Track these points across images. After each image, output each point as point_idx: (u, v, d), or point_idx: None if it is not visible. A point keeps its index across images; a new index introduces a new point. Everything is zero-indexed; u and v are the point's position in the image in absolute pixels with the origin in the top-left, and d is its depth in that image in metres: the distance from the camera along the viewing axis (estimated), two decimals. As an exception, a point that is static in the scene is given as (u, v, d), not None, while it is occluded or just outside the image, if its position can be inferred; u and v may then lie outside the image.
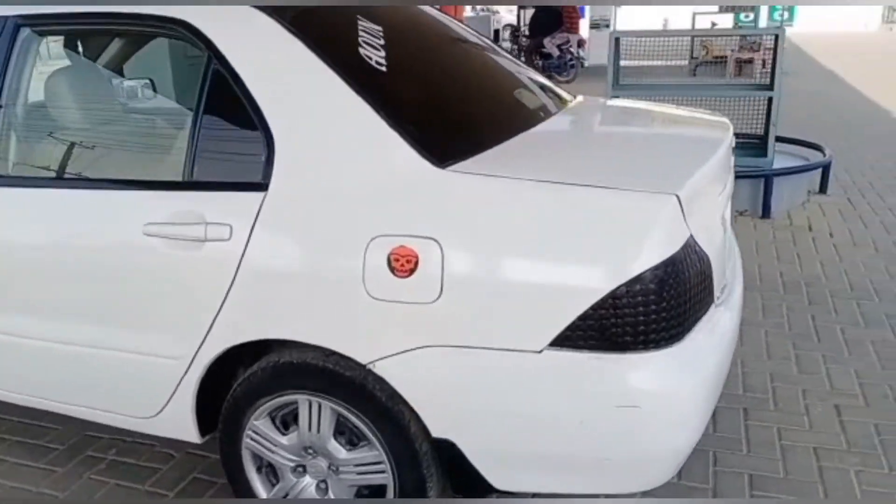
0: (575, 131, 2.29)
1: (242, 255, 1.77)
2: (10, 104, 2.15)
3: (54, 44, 2.38)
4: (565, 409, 1.62)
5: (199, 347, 1.89)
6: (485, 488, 1.79)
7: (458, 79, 2.24)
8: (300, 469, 1.96)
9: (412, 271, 1.63)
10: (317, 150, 1.77)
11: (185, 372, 1.94)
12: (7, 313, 2.12)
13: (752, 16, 13.91)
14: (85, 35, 2.36)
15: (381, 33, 2.09)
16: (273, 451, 1.95)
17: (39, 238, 2.03)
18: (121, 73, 2.33)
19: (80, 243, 1.97)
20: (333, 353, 1.78)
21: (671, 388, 1.60)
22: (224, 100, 1.86)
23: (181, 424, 2.04)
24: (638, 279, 1.52)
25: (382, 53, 1.98)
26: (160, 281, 1.89)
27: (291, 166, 1.76)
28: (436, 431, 1.74)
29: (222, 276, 1.80)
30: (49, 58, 2.34)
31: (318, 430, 1.87)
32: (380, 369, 1.72)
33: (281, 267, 1.76)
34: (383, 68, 1.94)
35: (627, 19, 17.13)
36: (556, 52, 13.18)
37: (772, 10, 15.06)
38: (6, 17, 2.14)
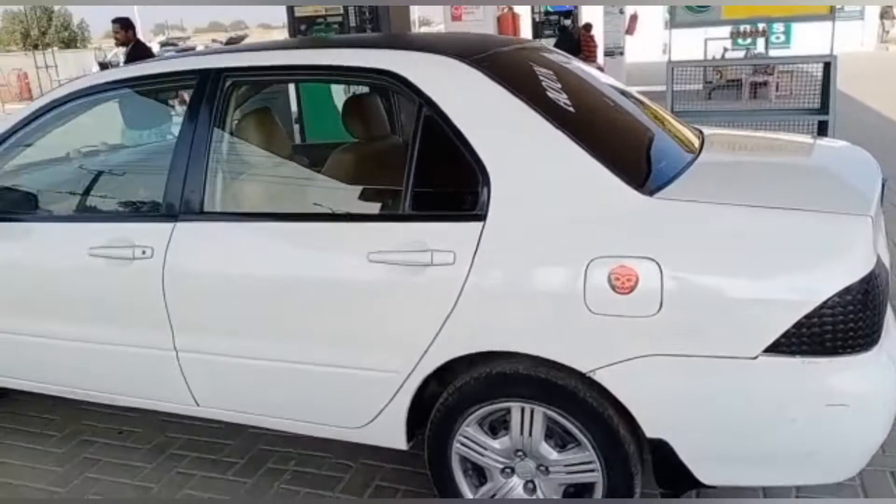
0: (733, 160, 2.53)
1: (466, 277, 2.00)
2: (232, 149, 2.40)
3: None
4: (778, 409, 1.84)
5: (419, 361, 2.11)
6: (691, 483, 2.00)
7: (624, 117, 2.49)
8: (508, 470, 2.17)
9: (632, 288, 1.86)
10: (529, 182, 2.00)
11: (402, 384, 2.16)
12: (237, 336, 2.33)
13: (749, 39, 14.36)
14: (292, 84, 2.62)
15: (554, 77, 2.36)
16: (483, 455, 2.16)
17: (273, 268, 2.25)
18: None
19: (314, 272, 2.20)
20: (546, 362, 2.00)
21: (874, 387, 1.82)
22: (438, 141, 2.10)
23: (391, 433, 2.26)
24: (847, 290, 1.75)
25: (564, 96, 2.24)
26: (385, 303, 2.12)
27: (507, 198, 2.00)
28: (651, 432, 1.96)
29: (446, 296, 2.03)
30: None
31: (531, 434, 2.08)
32: (599, 377, 1.94)
33: (504, 287, 1.99)
34: (571, 109, 2.19)
35: (633, 48, 17.53)
36: None
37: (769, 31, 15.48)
38: (214, 69, 2.39)
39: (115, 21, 7.07)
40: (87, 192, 2.87)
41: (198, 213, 2.34)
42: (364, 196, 2.36)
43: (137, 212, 2.60)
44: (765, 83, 12.98)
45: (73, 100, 2.62)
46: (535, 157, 2.02)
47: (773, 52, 14.92)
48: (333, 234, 2.21)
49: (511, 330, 2.01)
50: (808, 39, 12.15)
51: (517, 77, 2.21)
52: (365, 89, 3.11)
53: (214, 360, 2.39)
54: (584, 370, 1.95)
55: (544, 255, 1.96)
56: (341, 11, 6.15)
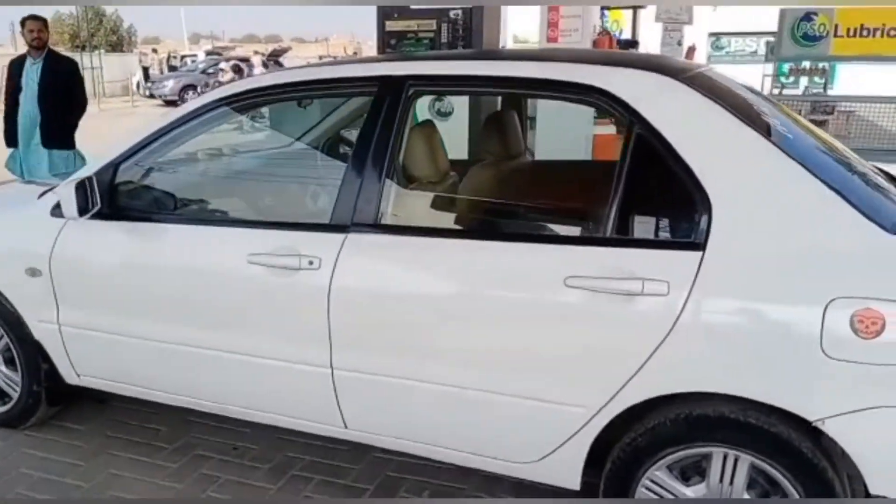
0: None
1: (682, 310, 1.84)
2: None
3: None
4: None
5: (613, 397, 1.95)
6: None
7: (834, 150, 2.31)
8: (697, 521, 2.00)
9: (878, 333, 1.70)
10: (757, 212, 1.85)
11: (589, 420, 2.00)
12: (404, 358, 2.19)
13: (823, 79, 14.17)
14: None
15: (758, 102, 2.21)
16: (672, 502, 1.99)
17: (456, 287, 2.12)
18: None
19: (500, 293, 2.05)
20: (756, 407, 1.84)
21: None
22: (651, 162, 1.96)
23: (565, 471, 2.09)
24: None
25: (776, 121, 2.09)
26: (583, 331, 1.96)
27: (732, 227, 1.84)
28: (876, 489, 1.78)
29: (655, 329, 1.87)
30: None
31: (731, 483, 1.91)
32: (828, 427, 1.77)
33: (724, 323, 1.83)
34: (789, 134, 2.04)
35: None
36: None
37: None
38: (398, 76, 2.27)
39: (35, 18, 5.23)
40: (243, 196, 2.75)
41: (371, 225, 2.21)
42: (558, 216, 2.21)
43: (303, 220, 2.47)
44: (824, 122, 12.84)
45: (235, 102, 2.50)
46: (764, 184, 1.87)
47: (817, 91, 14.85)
48: (526, 256, 2.06)
49: (724, 370, 1.85)
50: (850, 80, 12.04)
51: (728, 98, 2.07)
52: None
53: (375, 381, 2.24)
54: (811, 418, 1.78)
55: (775, 292, 1.80)
56: (434, 27, 6.05)
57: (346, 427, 2.36)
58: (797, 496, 1.84)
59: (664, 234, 1.98)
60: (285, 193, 2.93)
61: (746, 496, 1.91)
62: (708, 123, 1.95)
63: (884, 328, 1.69)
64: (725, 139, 1.93)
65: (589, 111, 6.23)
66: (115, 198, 2.57)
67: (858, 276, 1.74)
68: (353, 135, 3.70)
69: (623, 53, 2.68)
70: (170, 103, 20.48)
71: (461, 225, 2.33)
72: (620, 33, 11.35)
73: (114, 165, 2.58)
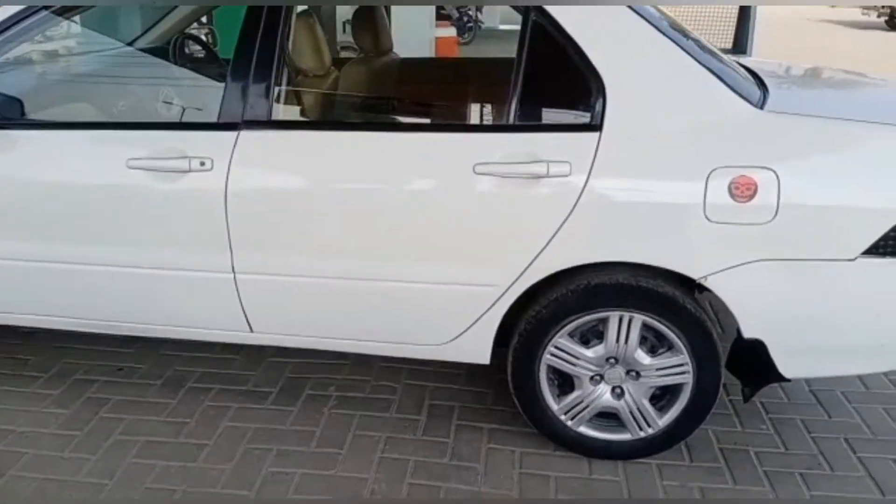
0: (802, 83, 2.62)
1: (583, 189, 1.98)
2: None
3: None
4: (867, 306, 2.02)
5: (521, 275, 2.08)
6: (774, 378, 2.15)
7: (704, 46, 2.48)
8: (597, 378, 2.21)
9: (751, 197, 1.94)
10: (647, 94, 2.00)
11: (498, 299, 2.13)
12: (309, 254, 2.17)
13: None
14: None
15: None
16: (575, 364, 2.19)
17: (360, 180, 2.11)
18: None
19: (411, 181, 2.08)
20: (646, 271, 2.05)
21: None
22: (548, 50, 2.03)
23: (476, 348, 2.23)
24: None
25: (652, 11, 2.23)
26: (490, 215, 2.05)
27: (624, 109, 1.99)
28: (749, 333, 2.07)
29: (559, 208, 2.00)
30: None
31: (626, 342, 2.13)
32: (711, 283, 2.02)
33: (620, 197, 2.00)
34: (665, 21, 2.19)
35: None
36: (455, 14, 13.45)
37: None
38: None
39: None
40: (105, 98, 2.50)
41: (265, 122, 2.13)
42: (460, 108, 2.24)
43: (186, 120, 2.30)
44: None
45: None
46: (652, 68, 2.01)
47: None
48: (434, 145, 2.09)
49: (621, 241, 2.03)
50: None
51: None
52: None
53: (279, 281, 2.22)
54: (696, 276, 2.02)
55: (664, 166, 1.98)
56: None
57: (251, 331, 2.33)
58: (682, 346, 2.10)
59: (563, 118, 2.09)
60: (150, 93, 2.70)
61: (640, 351, 2.15)
62: (600, 10, 2.05)
63: (756, 192, 1.93)
64: (616, 25, 2.04)
65: (430, 15, 6.26)
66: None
67: (734, 148, 1.96)
68: (200, 33, 3.47)
69: None
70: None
71: (362, 118, 2.30)
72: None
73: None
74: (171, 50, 3.16)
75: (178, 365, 2.75)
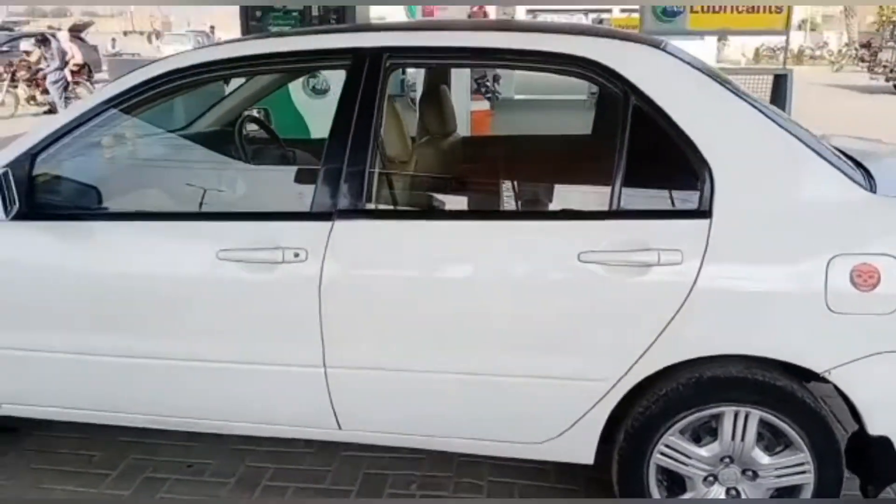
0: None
1: (696, 278, 1.90)
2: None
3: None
4: None
5: (631, 368, 1.99)
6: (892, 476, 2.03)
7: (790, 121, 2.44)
8: (711, 478, 2.08)
9: (875, 285, 1.85)
10: (756, 177, 1.94)
11: (606, 394, 2.02)
12: (405, 348, 2.09)
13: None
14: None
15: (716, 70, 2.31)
16: (687, 464, 2.06)
17: (460, 268, 2.05)
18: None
19: (512, 271, 2.01)
20: (762, 364, 1.95)
21: None
22: (649, 134, 1.99)
23: (579, 446, 2.11)
24: None
25: (746, 92, 2.20)
26: (598, 306, 1.97)
27: (733, 194, 1.92)
28: (875, 430, 1.95)
29: (672, 298, 1.92)
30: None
31: (742, 440, 2.01)
32: (834, 377, 1.91)
33: (735, 286, 1.92)
34: (762, 104, 2.15)
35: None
36: (473, 86, 13.71)
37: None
38: (373, 48, 2.13)
39: None
40: (186, 185, 2.47)
41: (359, 210, 2.07)
42: (555, 189, 2.19)
43: (277, 209, 2.25)
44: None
45: (173, 80, 2.22)
46: (759, 152, 1.97)
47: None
48: (536, 233, 2.02)
49: (744, 332, 1.94)
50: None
51: (705, 69, 2.14)
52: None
53: (373, 376, 2.12)
54: (819, 370, 1.91)
55: (780, 254, 1.91)
56: (303, -1, 5.79)
57: (339, 428, 2.22)
58: (802, 443, 1.98)
59: (670, 204, 2.03)
60: (238, 180, 2.67)
61: (758, 450, 2.02)
62: (701, 94, 2.02)
63: (879, 280, 1.85)
64: (719, 108, 2.01)
65: (467, 89, 6.34)
66: (34, 194, 2.22)
67: (853, 234, 1.90)
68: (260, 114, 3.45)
69: (600, 27, 2.66)
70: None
71: (456, 206, 2.24)
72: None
73: (30, 156, 2.22)
74: (236, 134, 3.14)
75: (249, 460, 2.62)
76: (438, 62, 2.32)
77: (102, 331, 2.23)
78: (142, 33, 42.84)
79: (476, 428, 2.17)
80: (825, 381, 1.95)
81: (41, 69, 12.91)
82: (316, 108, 5.68)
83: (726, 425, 2.02)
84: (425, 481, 2.50)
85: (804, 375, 1.99)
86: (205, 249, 2.10)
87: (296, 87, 5.76)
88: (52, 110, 13.01)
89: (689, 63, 2.08)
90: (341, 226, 2.07)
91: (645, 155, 2.01)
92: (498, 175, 2.39)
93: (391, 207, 2.15)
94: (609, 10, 24.28)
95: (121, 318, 2.21)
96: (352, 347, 2.11)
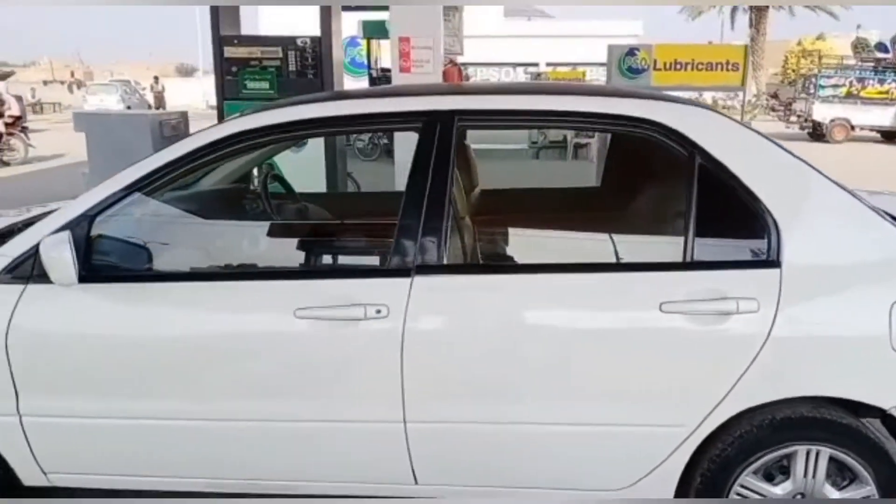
0: None
1: (772, 325, 2.01)
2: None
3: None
4: None
5: (710, 413, 2.06)
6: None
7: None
8: (784, 517, 2.17)
9: (933, 327, 2.00)
10: (819, 229, 2.09)
11: (685, 439, 2.09)
12: (483, 399, 2.11)
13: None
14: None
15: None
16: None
17: (546, 322, 2.09)
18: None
19: (594, 321, 2.07)
20: (828, 403, 2.07)
21: None
22: (715, 189, 2.11)
23: (658, 491, 2.16)
24: None
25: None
26: (678, 354, 2.05)
27: (799, 245, 2.06)
28: None
29: (749, 345, 2.02)
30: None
31: (814, 477, 2.11)
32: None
33: (807, 331, 2.04)
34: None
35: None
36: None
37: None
38: (444, 111, 2.19)
39: None
40: (257, 243, 2.43)
41: (437, 266, 2.11)
42: (633, 244, 2.27)
43: (352, 266, 2.25)
44: (586, 145, 14.40)
45: (242, 141, 2.23)
46: (817, 204, 2.11)
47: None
48: (618, 284, 2.10)
49: (816, 374, 2.05)
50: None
51: (752, 128, 2.29)
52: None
53: (453, 430, 2.13)
54: (886, 407, 2.04)
55: (846, 300, 2.05)
56: (279, 55, 5.81)
57: (416, 483, 2.20)
58: (869, 477, 2.09)
59: (742, 255, 2.14)
60: (305, 238, 2.64)
61: (828, 486, 2.12)
62: (762, 153, 2.16)
63: (936, 322, 2.00)
64: (779, 165, 2.15)
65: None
66: (91, 256, 2.15)
67: None
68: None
69: (654, 92, 2.77)
70: None
71: (528, 258, 2.30)
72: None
73: (88, 217, 2.16)
74: (260, 187, 3.12)
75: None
76: (508, 124, 2.40)
77: (175, 394, 2.16)
78: (62, 83, 41.77)
79: (554, 477, 2.20)
80: (884, 417, 2.07)
81: (-27, 120, 12.39)
82: (292, 161, 5.68)
83: (798, 463, 2.11)
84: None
85: (859, 412, 2.11)
86: (281, 308, 2.09)
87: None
88: (-17, 161, 12.48)
89: (739, 123, 2.23)
90: (421, 281, 2.09)
91: (712, 209, 2.13)
92: (562, 227, 2.46)
93: (468, 262, 2.18)
94: (536, 65, 25.27)
95: (192, 380, 2.15)
96: (433, 401, 2.11)
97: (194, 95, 33.05)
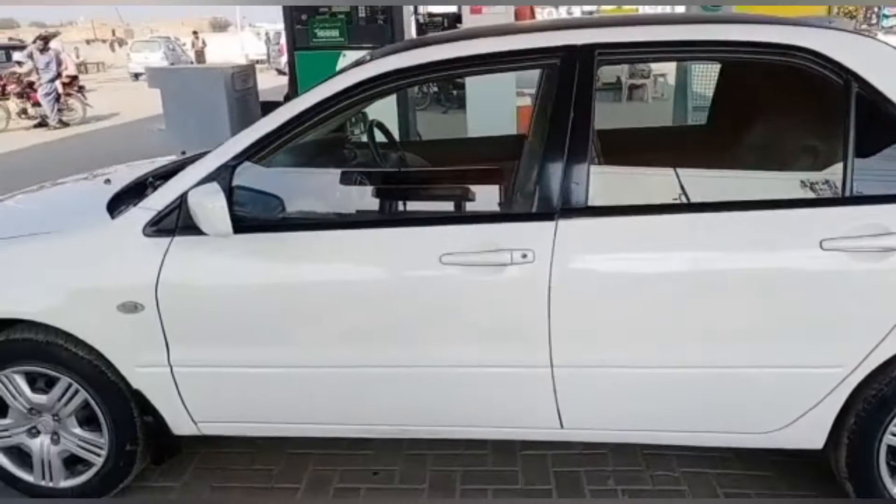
0: None
1: None
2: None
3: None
4: None
5: (870, 353, 2.00)
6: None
7: None
8: (934, 455, 2.12)
9: None
10: None
11: (844, 379, 2.04)
12: (634, 343, 2.09)
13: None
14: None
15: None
16: (920, 442, 2.10)
17: (698, 264, 2.05)
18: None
19: (752, 261, 2.02)
20: None
21: None
22: (871, 118, 2.01)
23: (811, 433, 2.13)
24: None
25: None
26: (838, 293, 1.99)
27: None
28: None
29: None
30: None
31: None
32: None
33: None
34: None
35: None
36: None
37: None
38: (583, 45, 2.12)
39: None
40: (394, 190, 2.42)
41: (582, 209, 2.06)
42: (783, 179, 2.20)
43: (495, 211, 2.23)
44: (641, 86, 14.03)
45: (388, 82, 2.18)
46: None
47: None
48: (775, 222, 2.03)
49: None
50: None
51: None
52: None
53: (601, 374, 2.12)
54: None
55: None
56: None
57: (562, 427, 2.20)
58: None
59: (899, 189, 2.05)
60: (444, 182, 2.62)
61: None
62: None
63: None
64: None
65: (511, 84, 6.32)
66: (233, 206, 2.15)
67: None
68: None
69: (799, 18, 2.62)
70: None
71: (674, 198, 2.23)
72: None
73: (229, 168, 2.15)
74: (368, 137, 3.09)
75: (432, 464, 2.59)
76: (649, 56, 2.31)
77: (324, 341, 2.19)
78: (104, 41, 42.02)
79: (708, 420, 2.18)
80: None
81: (32, 82, 12.52)
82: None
83: (954, 404, 2.05)
84: (619, 476, 2.50)
85: None
86: (428, 254, 2.07)
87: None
88: (43, 123, 12.66)
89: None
90: (566, 224, 2.05)
91: (871, 140, 2.03)
92: (707, 165, 2.38)
93: (614, 204, 2.13)
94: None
95: (344, 328, 2.17)
96: (580, 345, 2.10)
97: (234, 50, 32.91)
